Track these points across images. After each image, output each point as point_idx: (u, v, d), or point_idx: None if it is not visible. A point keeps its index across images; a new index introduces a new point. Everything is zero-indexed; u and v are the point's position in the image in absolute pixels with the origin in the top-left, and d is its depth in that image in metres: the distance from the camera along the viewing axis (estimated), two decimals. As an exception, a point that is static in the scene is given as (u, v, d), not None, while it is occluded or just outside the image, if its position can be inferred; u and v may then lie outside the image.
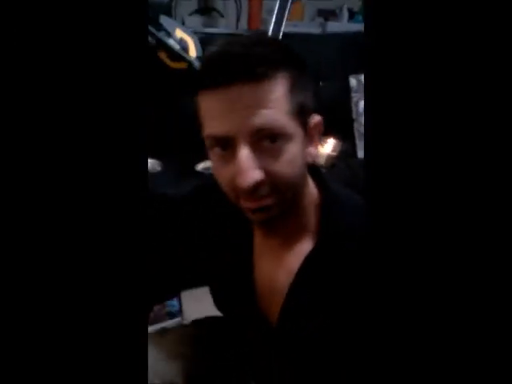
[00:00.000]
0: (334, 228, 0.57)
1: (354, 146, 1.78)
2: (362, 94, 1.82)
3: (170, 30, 1.54)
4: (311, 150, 0.54)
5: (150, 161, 1.44)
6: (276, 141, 0.47)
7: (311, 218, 0.58)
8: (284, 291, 0.58)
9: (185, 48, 1.64)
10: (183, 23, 2.43)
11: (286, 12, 1.86)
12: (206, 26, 2.59)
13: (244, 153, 0.45)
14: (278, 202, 0.50)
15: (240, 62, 0.45)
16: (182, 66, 1.62)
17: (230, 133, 0.46)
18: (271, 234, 0.60)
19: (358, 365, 0.55)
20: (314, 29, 2.82)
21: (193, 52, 1.66)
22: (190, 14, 2.77)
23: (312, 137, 0.54)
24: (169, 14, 1.64)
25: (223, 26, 2.66)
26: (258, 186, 0.47)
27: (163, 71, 1.50)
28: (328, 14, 3.08)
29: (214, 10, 2.84)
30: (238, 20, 2.87)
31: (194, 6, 2.87)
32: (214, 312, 0.82)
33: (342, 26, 2.90)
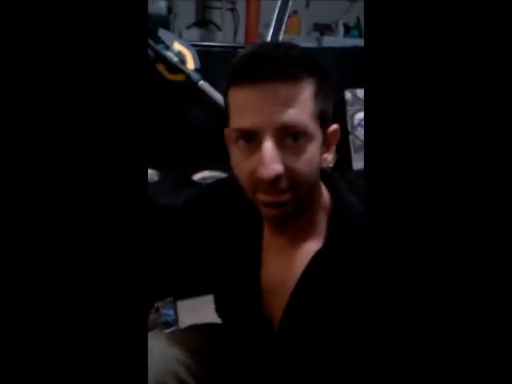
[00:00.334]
0: (342, 230, 0.58)
1: (349, 158, 1.80)
2: (357, 108, 1.85)
3: (168, 42, 1.57)
4: (327, 155, 0.57)
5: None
6: (298, 139, 0.49)
7: (321, 220, 0.60)
8: (289, 291, 0.59)
9: (183, 61, 1.66)
10: (181, 36, 2.46)
11: (283, 26, 1.89)
12: (203, 39, 2.62)
13: (268, 145, 0.48)
14: (294, 199, 0.52)
15: (275, 61, 0.48)
16: (179, 78, 1.64)
17: (258, 126, 0.48)
18: (280, 233, 0.61)
19: (361, 366, 0.55)
20: (311, 43, 2.87)
21: (190, 64, 1.68)
22: (188, 28, 2.81)
23: (329, 143, 0.57)
24: (167, 27, 1.66)
25: (221, 39, 2.70)
26: (277, 179, 0.49)
27: (161, 83, 1.52)
28: (324, 29, 3.14)
29: (212, 23, 2.88)
30: (235, 33, 2.92)
31: (191, 19, 2.91)
32: (210, 321, 0.83)
33: (337, 40, 2.95)
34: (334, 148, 0.58)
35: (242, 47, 2.12)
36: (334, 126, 0.57)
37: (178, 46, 1.66)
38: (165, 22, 1.67)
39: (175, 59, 1.62)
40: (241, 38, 2.72)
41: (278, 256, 0.62)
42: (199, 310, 1.07)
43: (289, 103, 0.48)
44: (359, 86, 1.86)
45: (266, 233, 0.64)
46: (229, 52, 2.10)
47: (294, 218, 0.58)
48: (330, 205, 0.60)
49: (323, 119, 0.53)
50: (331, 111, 0.55)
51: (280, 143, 0.49)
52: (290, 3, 1.88)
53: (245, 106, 0.49)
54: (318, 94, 0.51)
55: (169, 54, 1.55)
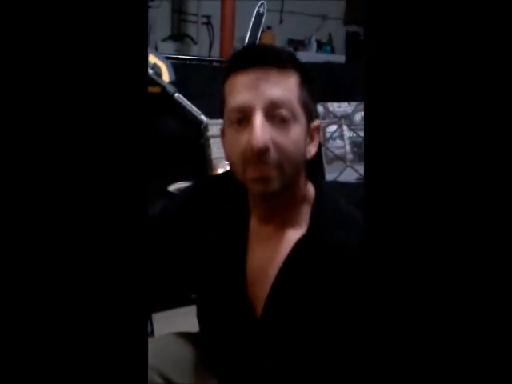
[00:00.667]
0: (322, 219, 0.61)
1: (322, 169, 1.85)
2: (328, 121, 1.90)
3: (144, 55, 1.58)
4: (311, 147, 0.62)
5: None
6: (285, 120, 0.55)
7: (305, 211, 0.63)
8: (271, 279, 0.61)
9: (158, 73, 1.68)
10: (157, 49, 2.48)
11: (257, 40, 1.94)
12: (179, 52, 2.65)
13: (259, 118, 0.53)
14: (279, 176, 0.56)
15: (266, 52, 0.58)
16: (155, 90, 1.65)
17: (249, 102, 0.54)
18: (266, 223, 0.64)
19: (343, 353, 0.58)
20: (284, 58, 2.94)
21: (166, 77, 1.70)
22: (164, 40, 2.83)
23: (313, 136, 0.62)
24: (143, 39, 1.68)
25: (196, 52, 2.73)
26: (265, 150, 0.53)
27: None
28: (297, 44, 3.23)
29: (187, 36, 2.92)
30: (210, 47, 2.96)
31: (167, 32, 2.94)
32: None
33: (310, 55, 3.04)
34: (317, 142, 0.63)
35: (217, 60, 2.16)
36: (317, 122, 0.62)
37: (153, 59, 1.68)
38: (140, 34, 1.68)
39: (151, 72, 1.64)
40: (216, 52, 2.76)
41: (264, 246, 0.64)
42: (175, 323, 1.07)
43: (277, 84, 0.54)
44: (331, 100, 1.92)
45: (253, 224, 0.66)
46: (204, 65, 2.14)
47: (279, 207, 0.61)
48: (314, 197, 0.64)
49: (307, 110, 0.58)
50: (315, 109, 0.61)
51: (269, 121, 0.54)
52: (264, 19, 1.93)
53: (238, 88, 0.56)
54: (303, 87, 0.57)
55: (144, 66, 1.56)
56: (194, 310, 0.77)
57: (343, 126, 1.89)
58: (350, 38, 3.37)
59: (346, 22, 3.38)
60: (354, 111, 1.90)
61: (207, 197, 0.70)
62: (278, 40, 3.07)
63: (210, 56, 2.72)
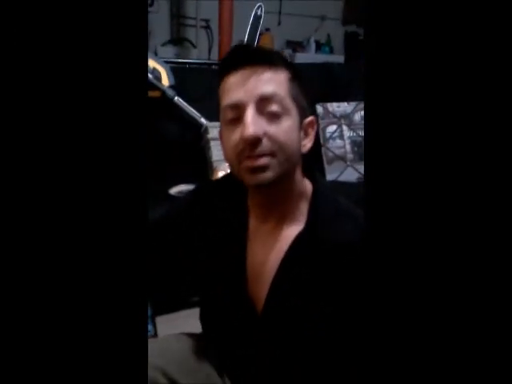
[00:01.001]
0: (320, 213, 0.62)
1: (322, 169, 1.85)
2: (328, 121, 1.91)
3: (143, 60, 1.59)
4: (306, 142, 0.63)
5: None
6: (276, 113, 0.57)
7: (303, 207, 0.64)
8: (272, 275, 0.62)
9: (158, 77, 1.69)
10: (156, 53, 2.49)
11: (255, 42, 1.94)
12: (178, 56, 2.66)
13: (250, 112, 0.56)
14: (274, 165, 0.57)
15: (254, 52, 0.61)
16: (155, 94, 1.66)
17: (242, 99, 0.57)
18: (265, 221, 0.65)
19: (343, 347, 0.58)
20: (283, 59, 2.95)
21: (165, 81, 1.71)
22: (163, 45, 2.85)
23: (307, 131, 0.64)
24: (142, 44, 1.69)
25: (196, 56, 2.74)
26: (258, 140, 0.56)
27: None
28: (296, 46, 3.24)
29: (187, 40, 2.93)
30: (209, 50, 2.97)
31: (166, 36, 2.96)
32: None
33: (309, 56, 3.05)
34: (312, 137, 0.64)
35: (216, 64, 2.17)
36: (311, 118, 0.64)
37: (152, 63, 1.69)
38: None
39: (150, 76, 1.65)
40: (215, 55, 2.77)
41: (263, 243, 0.65)
42: (178, 326, 1.07)
43: (267, 80, 0.57)
44: (330, 100, 1.93)
45: (252, 222, 0.67)
46: (203, 68, 2.15)
47: (278, 204, 0.63)
48: (311, 193, 0.66)
49: (298, 104, 0.60)
50: (307, 106, 0.63)
51: (261, 115, 0.57)
52: (262, 21, 1.94)
53: (231, 87, 0.59)
54: (292, 83, 0.60)
55: (144, 71, 1.57)
56: (196, 312, 0.78)
57: (343, 125, 1.89)
58: (349, 38, 3.38)
59: (345, 23, 3.38)
60: (354, 111, 1.90)
61: (208, 200, 0.71)
62: (277, 42, 3.08)
63: (209, 59, 2.73)
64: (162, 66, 1.72)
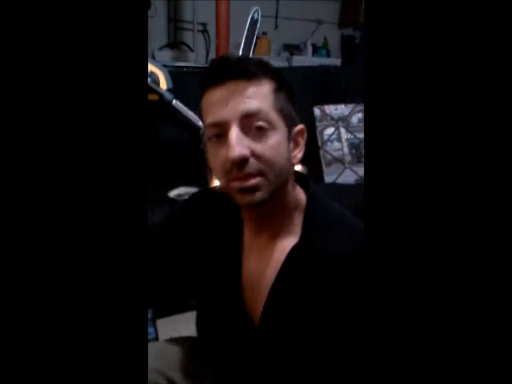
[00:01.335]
0: (315, 224, 0.62)
1: (321, 171, 1.86)
2: (325, 124, 1.91)
3: (141, 63, 1.60)
4: (296, 153, 0.61)
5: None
6: (262, 129, 0.55)
7: (297, 218, 0.63)
8: (268, 287, 0.62)
9: (156, 81, 1.69)
10: (154, 57, 2.50)
11: (252, 46, 1.95)
12: (175, 59, 2.67)
13: (234, 131, 0.54)
14: (264, 185, 0.56)
15: (235, 65, 0.56)
16: (153, 98, 1.67)
17: (225, 117, 0.55)
18: (259, 233, 0.64)
19: (340, 359, 0.58)
20: (281, 62, 2.96)
21: (163, 84, 1.71)
22: (161, 49, 2.85)
23: (296, 141, 0.62)
24: (140, 48, 1.70)
25: (193, 60, 2.75)
26: (244, 161, 0.54)
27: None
28: (293, 49, 3.25)
29: (184, 44, 2.94)
30: (207, 54, 2.98)
31: (164, 40, 2.96)
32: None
33: (306, 59, 3.06)
34: (302, 147, 0.62)
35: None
36: (300, 126, 0.62)
37: (150, 67, 1.70)
38: (137, 43, 1.70)
39: (148, 80, 1.65)
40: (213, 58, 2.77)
41: (258, 255, 0.64)
42: (179, 328, 1.08)
43: (250, 96, 0.55)
44: (327, 103, 1.94)
45: (246, 235, 0.67)
46: (201, 72, 2.15)
47: (271, 217, 0.61)
48: (305, 204, 0.64)
49: (285, 115, 0.58)
50: (294, 114, 0.61)
51: (246, 132, 0.55)
52: (258, 24, 1.95)
53: (214, 104, 0.56)
54: (278, 93, 0.57)
55: (142, 74, 1.58)
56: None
57: (340, 128, 1.90)
58: (345, 42, 3.39)
59: (341, 26, 3.40)
60: (351, 113, 1.91)
61: (204, 209, 0.71)
62: (274, 45, 3.10)
63: (206, 63, 2.73)
64: (160, 69, 1.72)
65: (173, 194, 1.59)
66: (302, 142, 0.63)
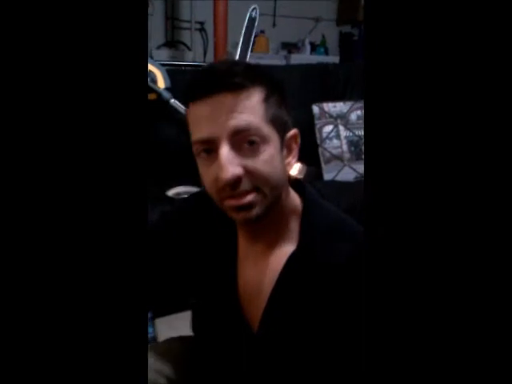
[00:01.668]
0: (312, 231, 0.60)
1: (320, 169, 1.86)
2: (324, 121, 1.91)
3: (138, 62, 1.60)
4: (290, 160, 0.60)
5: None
6: (254, 143, 0.52)
7: (294, 225, 0.62)
8: (266, 294, 0.61)
9: (154, 80, 1.69)
10: (152, 56, 2.50)
11: (250, 45, 1.95)
12: (173, 58, 2.67)
13: (224, 150, 0.51)
14: (259, 201, 0.54)
15: (221, 75, 0.53)
16: (151, 97, 1.67)
17: (213, 134, 0.52)
18: (255, 240, 0.63)
19: (340, 366, 0.57)
20: (279, 60, 2.96)
21: (161, 83, 1.71)
22: (158, 48, 2.85)
23: (290, 148, 0.60)
24: (137, 47, 1.70)
25: (191, 59, 2.75)
26: (237, 180, 0.52)
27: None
28: (291, 47, 3.25)
29: (182, 43, 2.94)
30: (205, 53, 2.98)
31: (161, 39, 2.96)
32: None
33: (304, 57, 3.05)
34: (296, 152, 0.61)
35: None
36: (293, 131, 0.60)
37: (148, 66, 1.69)
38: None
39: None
40: (210, 58, 2.77)
41: (255, 263, 0.63)
42: (178, 327, 1.07)
43: (238, 110, 0.52)
44: (326, 100, 1.94)
45: (241, 242, 0.66)
46: (199, 70, 2.15)
47: (266, 225, 0.59)
48: (302, 209, 0.63)
49: (277, 124, 0.55)
50: (287, 118, 0.58)
51: (237, 149, 0.52)
52: (256, 23, 1.95)
53: (200, 119, 0.53)
54: (268, 101, 0.54)
55: (139, 73, 1.58)
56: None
57: (339, 125, 1.90)
58: (344, 39, 3.39)
59: (339, 23, 3.40)
60: (350, 111, 1.91)
61: (203, 211, 0.69)
62: (272, 44, 3.09)
63: (204, 62, 2.73)
64: (158, 68, 1.72)
65: (171, 192, 1.59)
66: (296, 147, 0.61)
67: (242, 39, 1.94)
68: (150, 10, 2.56)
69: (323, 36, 3.30)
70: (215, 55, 2.35)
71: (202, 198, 0.73)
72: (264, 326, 0.61)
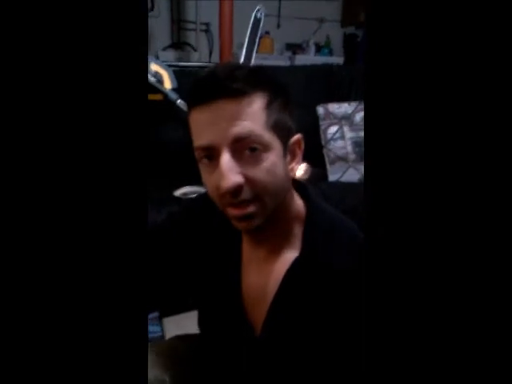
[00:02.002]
0: (316, 236, 0.60)
1: (324, 170, 1.86)
2: (329, 122, 1.92)
3: (145, 64, 1.61)
4: (294, 165, 0.59)
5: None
6: (255, 151, 0.52)
7: (297, 229, 0.62)
8: (269, 299, 0.61)
9: (160, 81, 1.71)
10: (157, 57, 2.51)
11: (255, 46, 1.96)
12: (179, 59, 2.68)
13: (225, 158, 0.51)
14: (261, 211, 0.54)
15: (222, 81, 0.52)
16: (158, 97, 1.68)
17: (214, 142, 0.51)
18: (259, 245, 0.63)
19: (343, 371, 0.58)
20: (283, 61, 2.97)
21: (168, 84, 1.73)
22: (164, 49, 2.87)
23: (293, 153, 0.59)
24: (144, 49, 1.71)
25: (196, 60, 2.76)
26: (239, 189, 0.51)
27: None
28: (296, 48, 3.26)
29: (187, 44, 2.95)
30: (210, 54, 2.99)
31: (167, 41, 2.98)
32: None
33: (309, 58, 3.06)
34: (300, 158, 0.60)
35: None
36: (297, 136, 0.59)
37: (154, 67, 1.71)
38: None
39: (153, 79, 1.67)
40: (216, 58, 2.79)
41: (258, 267, 0.64)
42: (185, 326, 1.08)
43: (239, 117, 0.51)
44: (331, 101, 1.94)
45: (245, 246, 0.66)
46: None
47: (269, 231, 0.59)
48: (305, 214, 0.63)
49: (279, 130, 0.55)
50: (290, 123, 0.57)
51: (238, 156, 0.52)
52: (261, 24, 1.96)
53: (201, 126, 0.53)
54: (270, 107, 0.53)
55: (146, 74, 1.59)
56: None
57: (344, 126, 1.90)
58: (348, 40, 3.39)
59: (344, 24, 3.40)
60: (354, 111, 1.92)
61: (209, 213, 0.69)
62: (276, 44, 3.10)
63: (210, 62, 2.74)
64: (165, 69, 1.74)
65: (178, 193, 1.60)
66: (300, 152, 0.60)
67: (247, 40, 1.95)
68: (155, 13, 2.58)
69: (328, 37, 3.31)
70: (221, 56, 2.36)
71: (208, 199, 0.75)
72: (266, 330, 0.61)
